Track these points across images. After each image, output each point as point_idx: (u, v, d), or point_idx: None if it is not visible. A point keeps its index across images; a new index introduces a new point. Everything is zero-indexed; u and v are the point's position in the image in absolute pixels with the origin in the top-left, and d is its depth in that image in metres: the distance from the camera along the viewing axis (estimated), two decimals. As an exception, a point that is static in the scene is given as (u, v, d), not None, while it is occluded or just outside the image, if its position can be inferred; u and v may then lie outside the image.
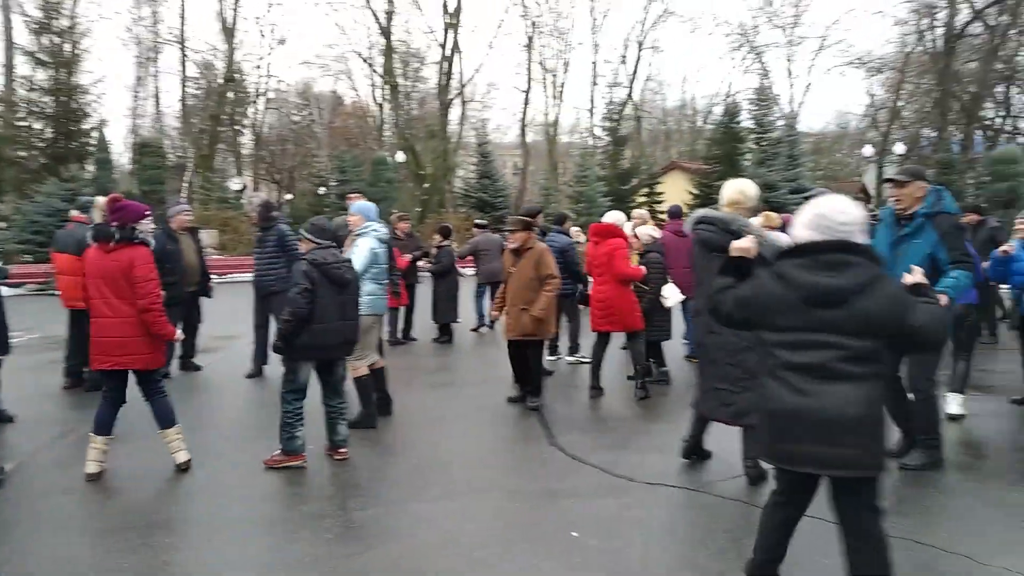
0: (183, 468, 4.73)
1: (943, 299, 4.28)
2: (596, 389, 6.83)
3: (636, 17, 59.41)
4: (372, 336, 6.03)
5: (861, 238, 2.76)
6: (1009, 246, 6.17)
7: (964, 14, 34.72)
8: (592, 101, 43.29)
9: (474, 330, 11.28)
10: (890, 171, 37.09)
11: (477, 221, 12.54)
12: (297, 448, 4.81)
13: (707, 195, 27.57)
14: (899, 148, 33.25)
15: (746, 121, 32.62)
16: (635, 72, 42.26)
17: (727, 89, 45.40)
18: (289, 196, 43.86)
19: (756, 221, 4.69)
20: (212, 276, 8.51)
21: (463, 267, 12.06)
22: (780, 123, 32.79)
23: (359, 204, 6.16)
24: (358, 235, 5.83)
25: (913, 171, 4.80)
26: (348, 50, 46.43)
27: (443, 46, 38.45)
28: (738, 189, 4.51)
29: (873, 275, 2.68)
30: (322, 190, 35.22)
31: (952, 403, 5.94)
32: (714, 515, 4.02)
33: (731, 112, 34.35)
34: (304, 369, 4.83)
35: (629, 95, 41.67)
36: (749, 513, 3.86)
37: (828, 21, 67.06)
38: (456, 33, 38.21)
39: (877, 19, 78.34)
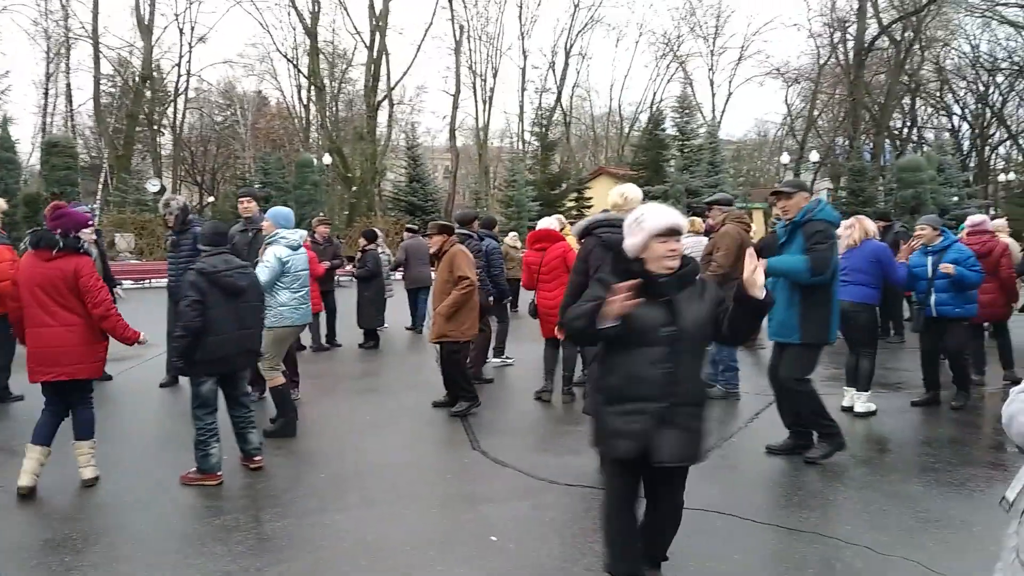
0: (88, 484, 4.53)
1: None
2: (547, 392, 6.85)
3: (563, 24, 59.94)
4: (286, 346, 5.89)
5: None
6: (905, 258, 6.43)
7: (873, 29, 36.57)
8: (521, 106, 43.70)
9: (409, 328, 11.44)
10: (806, 176, 38.70)
11: (408, 226, 12.43)
12: (212, 467, 4.60)
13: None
14: (814, 156, 34.69)
15: (670, 128, 33.49)
16: (563, 79, 42.91)
17: (652, 97, 46.35)
18: (211, 199, 42.57)
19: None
20: (126, 281, 8.17)
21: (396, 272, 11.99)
22: (702, 131, 33.78)
23: (272, 210, 6.01)
24: (267, 243, 5.68)
25: (796, 183, 5.15)
26: (272, 50, 45.42)
27: (370, 48, 38.10)
28: (620, 193, 4.76)
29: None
30: (246, 192, 34.23)
31: (858, 402, 6.19)
32: (631, 515, 4.07)
33: (656, 120, 35.19)
34: (208, 383, 4.63)
35: (558, 101, 42.23)
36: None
37: (748, 32, 69.48)
38: (383, 35, 37.92)
39: (793, 32, 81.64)
